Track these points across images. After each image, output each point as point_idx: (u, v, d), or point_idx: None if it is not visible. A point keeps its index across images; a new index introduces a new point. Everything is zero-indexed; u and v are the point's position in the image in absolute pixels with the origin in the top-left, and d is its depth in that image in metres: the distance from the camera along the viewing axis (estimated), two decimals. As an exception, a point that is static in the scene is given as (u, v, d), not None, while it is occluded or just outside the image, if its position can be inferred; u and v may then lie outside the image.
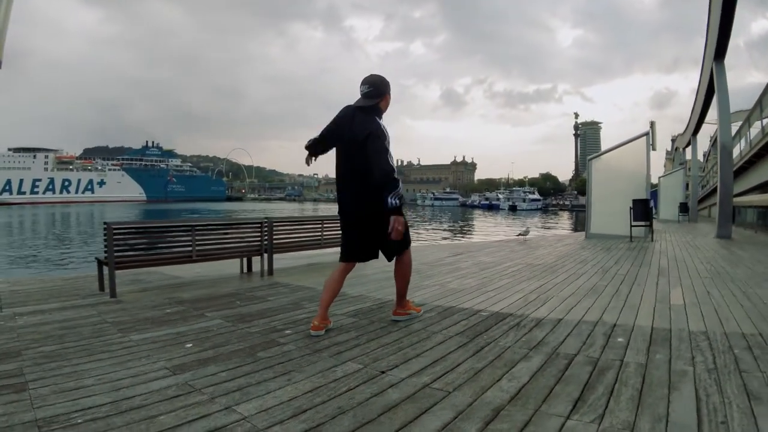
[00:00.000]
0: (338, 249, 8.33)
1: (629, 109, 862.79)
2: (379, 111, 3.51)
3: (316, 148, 3.74)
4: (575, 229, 34.32)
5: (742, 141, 19.59)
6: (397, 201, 3.27)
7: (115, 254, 5.04)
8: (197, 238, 5.78)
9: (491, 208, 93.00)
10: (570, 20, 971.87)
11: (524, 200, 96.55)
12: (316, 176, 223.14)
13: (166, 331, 3.47)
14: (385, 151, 3.33)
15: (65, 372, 2.59)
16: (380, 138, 3.33)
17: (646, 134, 13.17)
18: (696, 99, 22.77)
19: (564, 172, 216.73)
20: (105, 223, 5.03)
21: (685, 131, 33.88)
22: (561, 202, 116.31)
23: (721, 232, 13.50)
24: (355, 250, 3.57)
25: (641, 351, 2.93)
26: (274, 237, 6.68)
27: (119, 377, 2.50)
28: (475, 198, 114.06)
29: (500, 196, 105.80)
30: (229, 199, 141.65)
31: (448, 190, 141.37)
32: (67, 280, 6.78)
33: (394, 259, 3.64)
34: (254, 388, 2.34)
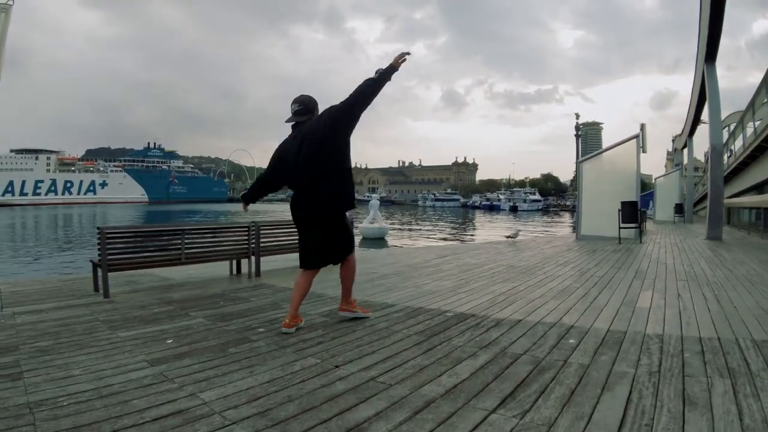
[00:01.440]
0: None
1: (630, 110, 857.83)
2: None
3: (262, 190, 4.19)
4: (575, 230, 34.21)
5: (737, 142, 19.72)
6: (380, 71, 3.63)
7: (108, 257, 5.36)
8: (186, 241, 6.10)
9: (492, 208, 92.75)
10: (571, 21, 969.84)
11: (525, 201, 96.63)
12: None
13: (151, 329, 3.79)
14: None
15: (57, 364, 2.92)
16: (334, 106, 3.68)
17: (636, 136, 13.36)
18: (691, 101, 22.92)
19: (565, 173, 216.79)
20: (98, 228, 5.38)
21: (682, 132, 34.01)
22: (562, 203, 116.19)
23: (712, 234, 13.61)
24: (311, 259, 3.87)
25: (588, 352, 3.03)
26: (262, 240, 6.98)
27: (103, 368, 2.82)
28: (476, 199, 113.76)
29: (501, 196, 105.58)
30: (231, 200, 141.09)
31: (449, 191, 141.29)
32: (65, 281, 7.13)
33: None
34: (219, 379, 2.64)
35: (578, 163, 14.81)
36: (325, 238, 3.78)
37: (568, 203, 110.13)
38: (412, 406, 2.25)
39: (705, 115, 22.20)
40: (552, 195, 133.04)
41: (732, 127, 24.55)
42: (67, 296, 5.68)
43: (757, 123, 16.11)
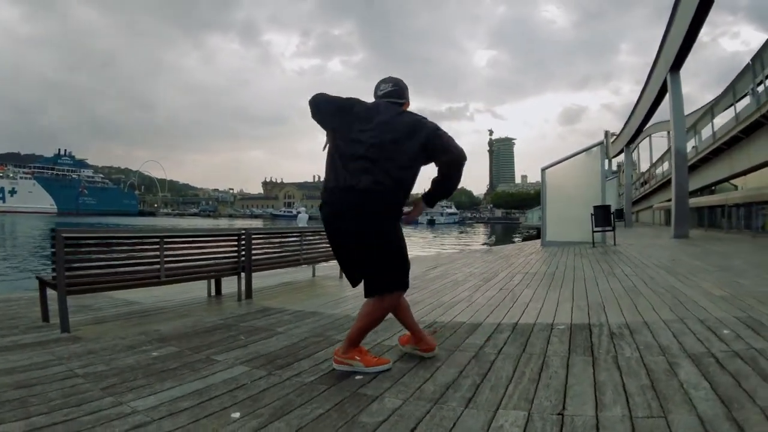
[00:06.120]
0: (314, 266, 7.44)
1: (539, 126, 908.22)
2: None
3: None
4: (492, 240, 34.35)
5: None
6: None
7: (67, 273, 3.76)
8: (166, 253, 4.59)
9: (410, 222, 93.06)
10: (485, 42, 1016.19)
11: (442, 214, 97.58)
12: (231, 191, 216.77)
13: (177, 390, 2.32)
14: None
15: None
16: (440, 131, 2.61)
17: (601, 143, 13.68)
18: (634, 111, 23.70)
19: (478, 186, 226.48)
20: (53, 229, 3.73)
21: (614, 142, 35.30)
22: (477, 215, 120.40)
23: (679, 232, 14.20)
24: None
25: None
26: (253, 252, 5.60)
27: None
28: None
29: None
30: (142, 213, 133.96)
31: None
32: None
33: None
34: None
35: (542, 170, 14.41)
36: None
37: (483, 216, 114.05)
38: None
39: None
40: (467, 208, 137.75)
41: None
42: (6, 328, 4.00)
43: (705, 133, 16.86)
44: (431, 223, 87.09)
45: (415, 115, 2.66)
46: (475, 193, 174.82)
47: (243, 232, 5.49)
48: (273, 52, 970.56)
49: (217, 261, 5.30)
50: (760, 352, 2.45)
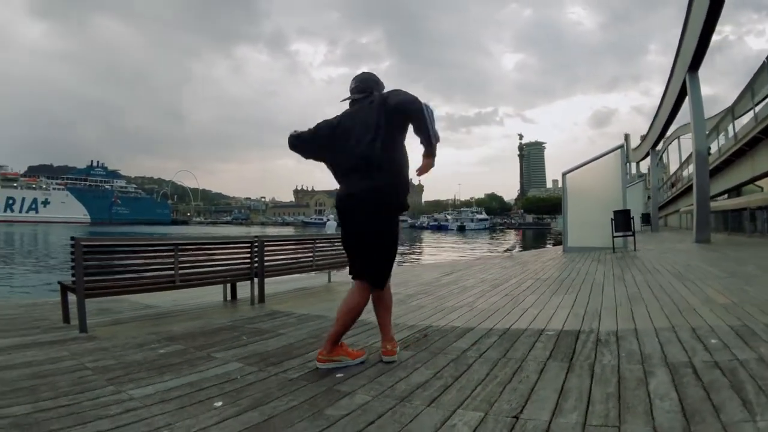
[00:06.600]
0: (329, 272, 7.64)
1: (569, 129, 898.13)
2: None
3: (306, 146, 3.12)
4: (514, 246, 33.98)
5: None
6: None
7: (86, 278, 4.06)
8: (181, 259, 4.86)
9: (440, 228, 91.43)
10: (512, 45, 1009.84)
11: (472, 220, 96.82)
12: (263, 199, 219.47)
13: (173, 382, 2.56)
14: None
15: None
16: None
17: (621, 147, 13.24)
18: (658, 113, 23.34)
19: (509, 192, 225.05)
20: (73, 238, 4.04)
21: (640, 145, 34.77)
22: (508, 221, 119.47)
23: (700, 237, 13.78)
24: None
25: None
26: (265, 258, 5.84)
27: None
28: (423, 219, 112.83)
29: (448, 216, 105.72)
30: (175, 222, 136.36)
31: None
32: (22, 307, 5.82)
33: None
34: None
35: (563, 174, 14.32)
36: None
37: (514, 221, 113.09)
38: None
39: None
40: (497, 214, 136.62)
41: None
42: (30, 328, 4.35)
43: (731, 132, 16.45)
44: (461, 229, 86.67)
45: (376, 95, 2.92)
46: (506, 198, 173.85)
47: (256, 239, 5.73)
48: (301, 62, 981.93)
49: (230, 267, 5.57)
50: (743, 363, 2.37)
